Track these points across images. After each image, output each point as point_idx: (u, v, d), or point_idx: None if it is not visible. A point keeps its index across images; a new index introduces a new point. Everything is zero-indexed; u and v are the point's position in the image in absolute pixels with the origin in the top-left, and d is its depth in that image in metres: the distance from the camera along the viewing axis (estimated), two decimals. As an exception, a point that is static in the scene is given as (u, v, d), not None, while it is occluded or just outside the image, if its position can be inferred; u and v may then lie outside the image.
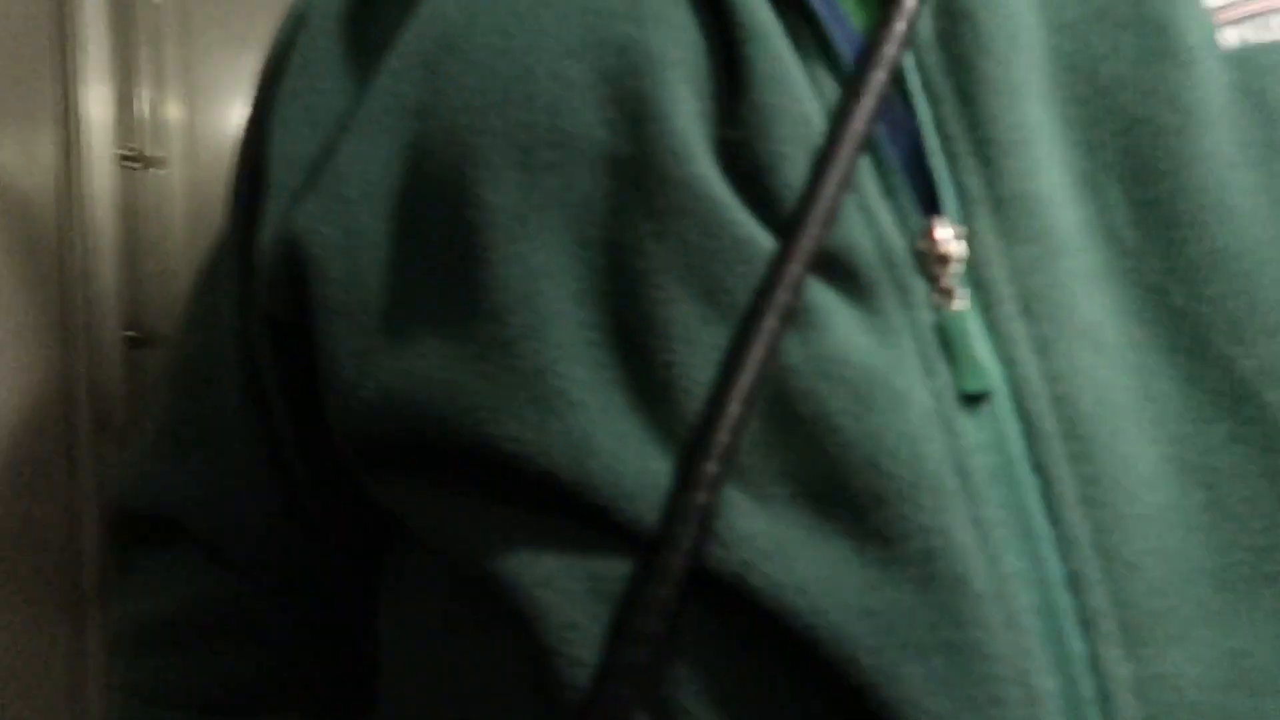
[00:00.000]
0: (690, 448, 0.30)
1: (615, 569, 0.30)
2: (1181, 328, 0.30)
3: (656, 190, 0.32)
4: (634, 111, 0.33)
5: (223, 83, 0.52)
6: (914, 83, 0.32)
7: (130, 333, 0.73)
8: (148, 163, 0.76)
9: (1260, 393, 0.30)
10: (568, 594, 0.31)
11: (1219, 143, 0.31)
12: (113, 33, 0.74)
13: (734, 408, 0.29)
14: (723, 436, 0.29)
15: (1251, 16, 0.33)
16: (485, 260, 0.33)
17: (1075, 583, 0.28)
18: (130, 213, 0.75)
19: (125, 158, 0.74)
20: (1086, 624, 0.28)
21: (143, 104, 0.76)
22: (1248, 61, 0.32)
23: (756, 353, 0.29)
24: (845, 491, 0.29)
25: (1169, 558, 0.29)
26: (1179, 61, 0.31)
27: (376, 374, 0.35)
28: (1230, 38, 0.33)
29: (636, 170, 0.32)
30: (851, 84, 0.32)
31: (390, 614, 0.40)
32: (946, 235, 0.31)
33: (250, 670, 0.45)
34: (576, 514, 0.31)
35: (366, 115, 0.37)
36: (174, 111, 0.77)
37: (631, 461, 0.31)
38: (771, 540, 0.29)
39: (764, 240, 0.31)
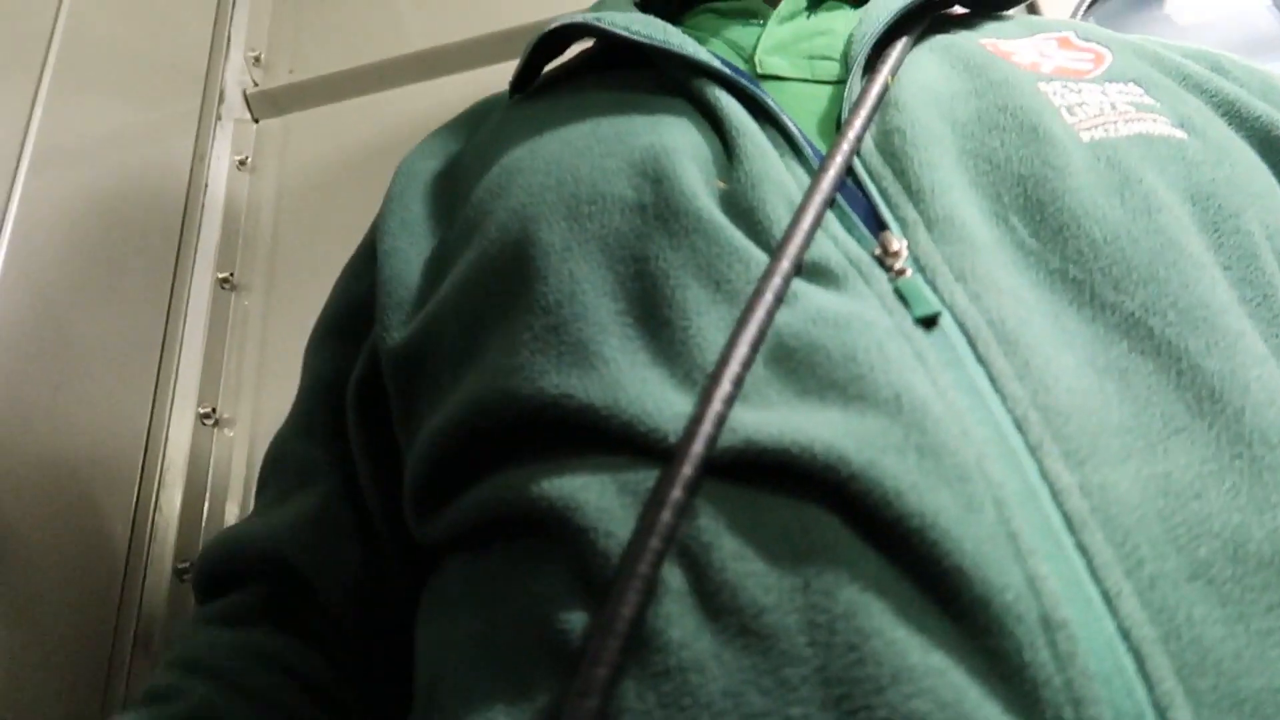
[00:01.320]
0: (707, 382, 0.37)
1: (642, 475, 0.36)
2: (1081, 289, 0.40)
3: (670, 219, 0.43)
4: (654, 177, 0.45)
5: (290, 359, 0.64)
6: (860, 169, 0.45)
7: (182, 564, 0.79)
8: (220, 422, 0.87)
9: (1145, 320, 0.38)
10: (603, 492, 0.36)
11: (1083, 183, 0.43)
12: (209, 317, 0.91)
13: (742, 348, 0.37)
14: (734, 367, 0.37)
15: (1102, 125, 0.46)
16: (541, 276, 0.43)
17: (1020, 424, 0.35)
18: (198, 462, 0.84)
19: (204, 415, 0.86)
20: (1033, 449, 0.34)
21: (225, 373, 0.90)
22: (1100, 145, 0.45)
23: (758, 314, 0.38)
24: (830, 382, 0.36)
25: (1094, 413, 0.35)
26: (1050, 143, 0.44)
27: (457, 387, 0.45)
28: (1086, 137, 0.46)
29: (655, 209, 0.43)
30: (818, 169, 0.44)
31: (433, 610, 0.44)
32: (893, 241, 0.41)
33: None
34: (609, 440, 0.38)
35: (453, 241, 0.50)
36: (248, 379, 0.91)
37: (653, 395, 0.38)
38: (773, 420, 0.36)
39: (756, 252, 0.41)
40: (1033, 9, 0.94)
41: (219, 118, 1.04)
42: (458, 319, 0.47)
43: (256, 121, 1.10)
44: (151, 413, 0.83)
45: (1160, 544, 0.32)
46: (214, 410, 0.87)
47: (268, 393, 0.90)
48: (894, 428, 0.34)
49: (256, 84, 1.10)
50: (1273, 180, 0.48)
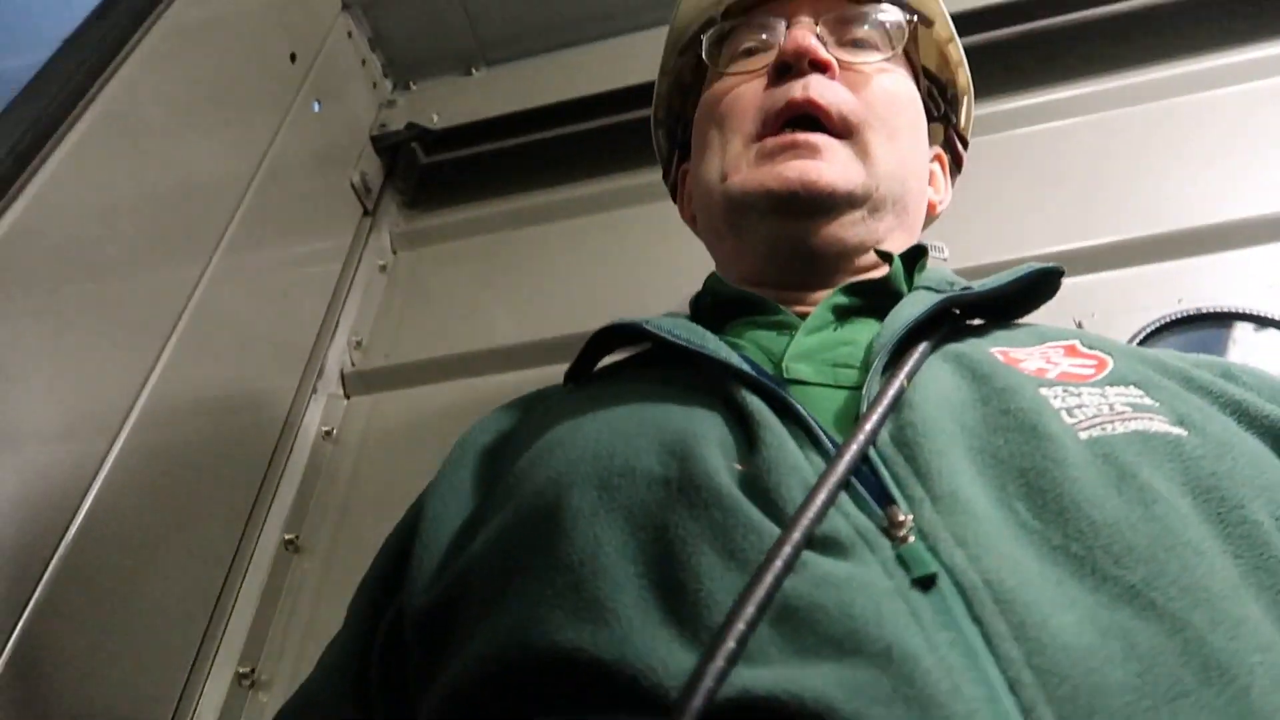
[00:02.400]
0: (713, 640, 0.39)
1: None
2: (1082, 563, 0.41)
3: (693, 494, 0.46)
4: (680, 456, 0.48)
5: (338, 624, 0.66)
6: (875, 457, 0.48)
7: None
8: (257, 684, 0.86)
9: (1147, 593, 0.39)
10: None
11: (1082, 474, 0.45)
12: (268, 574, 0.93)
13: (749, 609, 0.39)
14: (739, 626, 0.39)
15: (1099, 425, 0.49)
16: (568, 536, 0.46)
17: (1013, 685, 0.35)
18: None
19: (242, 675, 0.85)
20: (1025, 711, 0.35)
21: (272, 634, 0.90)
22: (1097, 442, 0.47)
23: (767, 579, 0.40)
24: (826, 637, 0.38)
25: (1094, 671, 0.36)
26: (1049, 440, 0.47)
27: (485, 632, 0.46)
28: (1084, 435, 0.48)
29: (679, 483, 0.46)
30: (835, 455, 0.47)
31: None
32: (899, 514, 0.43)
33: None
34: (617, 693, 0.39)
35: (490, 506, 0.53)
36: (292, 641, 0.90)
37: (661, 652, 0.40)
38: (770, 674, 0.37)
39: (770, 526, 0.43)
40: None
41: (315, 391, 1.12)
42: (486, 573, 0.49)
43: (348, 398, 1.18)
44: (192, 666, 0.83)
45: None
46: (253, 670, 0.87)
47: (310, 658, 0.90)
48: (883, 679, 0.35)
49: (354, 365, 1.20)
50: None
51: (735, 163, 0.69)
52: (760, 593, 0.39)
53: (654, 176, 1.26)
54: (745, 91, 0.71)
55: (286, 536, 0.99)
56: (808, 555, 0.42)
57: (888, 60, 0.73)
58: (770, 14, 0.74)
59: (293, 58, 1.19)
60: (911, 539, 0.42)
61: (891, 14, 0.74)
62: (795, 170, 0.65)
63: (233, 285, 0.99)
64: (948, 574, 0.40)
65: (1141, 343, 0.96)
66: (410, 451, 1.09)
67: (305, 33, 1.25)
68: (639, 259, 1.23)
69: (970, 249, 1.05)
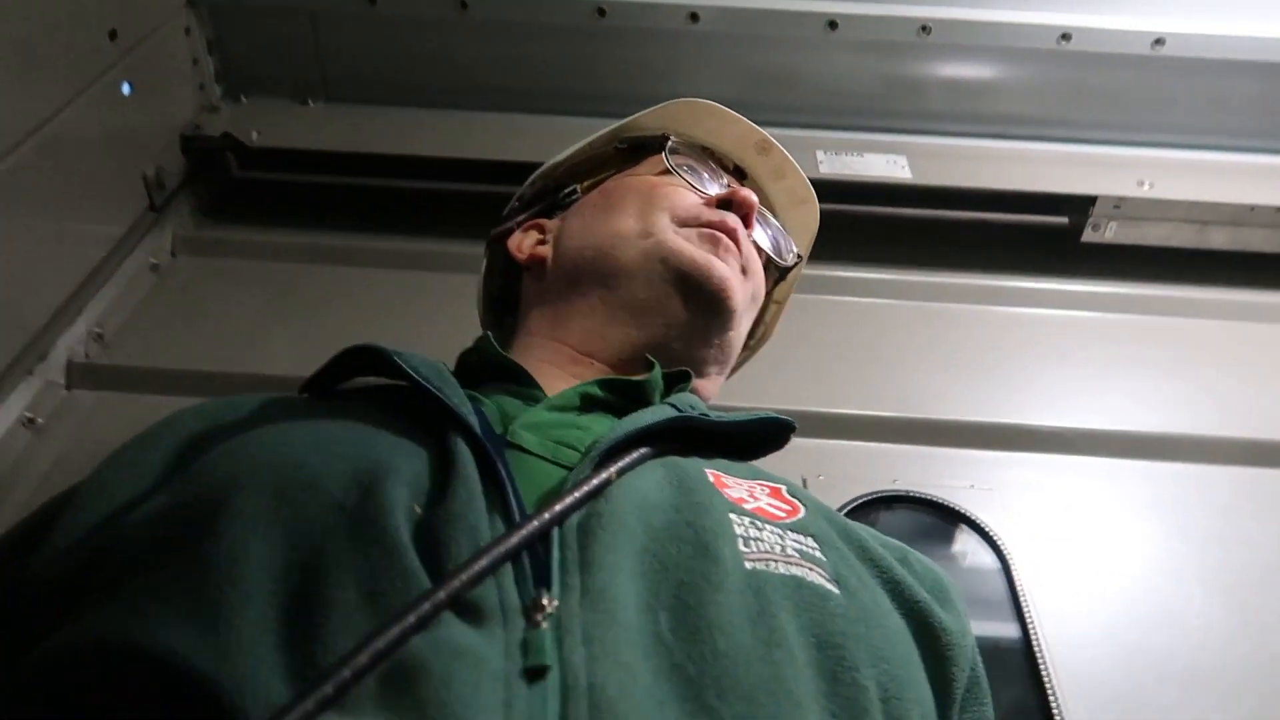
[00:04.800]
0: (312, 682, 0.38)
1: None
2: (691, 686, 0.43)
3: (361, 526, 0.45)
4: (364, 486, 0.47)
5: None
6: (555, 539, 0.48)
7: None
8: None
9: None
10: None
11: (728, 601, 0.47)
12: None
13: (364, 658, 0.38)
14: (346, 671, 0.38)
15: (766, 560, 0.51)
16: (218, 534, 0.44)
17: None
18: None
19: None
20: None
21: None
22: (756, 574, 0.50)
23: (393, 631, 0.39)
24: (416, 702, 0.38)
25: None
26: (715, 562, 0.49)
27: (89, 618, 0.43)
28: (749, 565, 0.50)
29: (352, 512, 0.46)
30: (516, 526, 0.47)
31: None
32: (545, 598, 0.44)
33: None
34: (199, 708, 0.38)
35: (160, 488, 0.51)
36: None
37: (259, 676, 0.38)
38: None
39: (424, 580, 0.43)
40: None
41: (30, 373, 1.04)
42: (123, 555, 0.46)
43: (69, 389, 1.10)
44: None
45: None
46: None
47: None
48: None
49: (87, 356, 1.12)
50: (913, 656, 0.52)
51: (660, 230, 0.74)
52: (381, 643, 0.39)
53: (456, 248, 1.28)
54: (682, 190, 0.79)
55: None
56: (447, 617, 0.41)
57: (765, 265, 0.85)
58: (725, 172, 0.88)
59: (112, 35, 1.14)
60: (544, 625, 0.42)
61: (790, 246, 0.90)
62: (722, 272, 0.72)
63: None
64: (560, 669, 0.41)
65: (854, 508, 1.04)
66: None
67: (136, 15, 1.20)
68: (424, 321, 1.22)
69: (734, 390, 1.12)
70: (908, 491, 1.05)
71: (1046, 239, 1.42)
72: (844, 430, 1.16)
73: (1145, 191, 1.37)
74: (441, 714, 0.37)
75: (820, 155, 1.39)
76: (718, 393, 0.84)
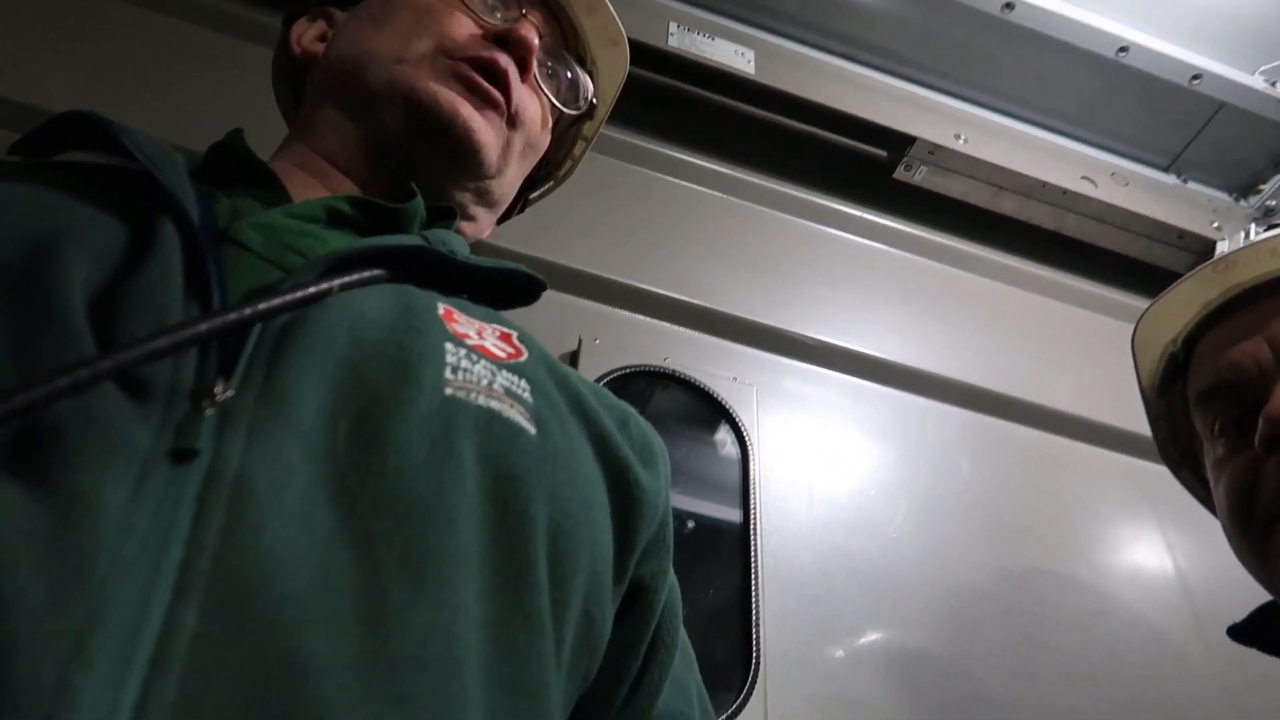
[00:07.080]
0: None
1: None
2: (347, 496, 0.42)
3: (25, 284, 0.41)
4: (39, 247, 0.43)
5: None
6: (254, 337, 0.45)
7: None
8: None
9: (377, 544, 0.41)
10: None
11: (413, 419, 0.46)
12: None
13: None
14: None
15: (466, 390, 0.50)
16: None
17: (183, 570, 0.36)
18: None
19: None
20: (176, 595, 0.35)
21: None
22: (451, 401, 0.49)
23: (36, 391, 0.36)
24: (35, 462, 0.36)
25: (263, 588, 0.37)
26: (411, 383, 0.47)
27: None
28: (447, 391, 0.49)
29: (16, 270, 0.42)
30: (211, 315, 0.44)
31: None
32: (220, 386, 0.42)
33: None
34: None
35: None
36: None
37: None
38: None
39: (90, 346, 0.40)
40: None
41: None
42: None
43: None
44: None
45: None
46: None
47: None
48: (45, 520, 0.34)
49: None
50: (599, 501, 0.54)
51: (417, 58, 0.68)
52: (21, 400, 0.35)
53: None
54: (458, 15, 0.71)
55: None
56: (108, 388, 0.39)
57: (553, 110, 0.79)
58: None
59: None
60: (209, 412, 0.40)
61: (586, 92, 0.83)
62: (466, 110, 0.67)
63: None
64: (212, 456, 0.39)
65: (622, 375, 1.06)
66: None
67: None
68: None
69: (524, 235, 1.10)
70: (674, 371, 1.09)
71: (862, 169, 1.47)
72: (629, 300, 1.18)
73: (959, 145, 1.44)
74: (64, 479, 0.35)
75: (673, 27, 1.36)
76: (488, 232, 0.80)
